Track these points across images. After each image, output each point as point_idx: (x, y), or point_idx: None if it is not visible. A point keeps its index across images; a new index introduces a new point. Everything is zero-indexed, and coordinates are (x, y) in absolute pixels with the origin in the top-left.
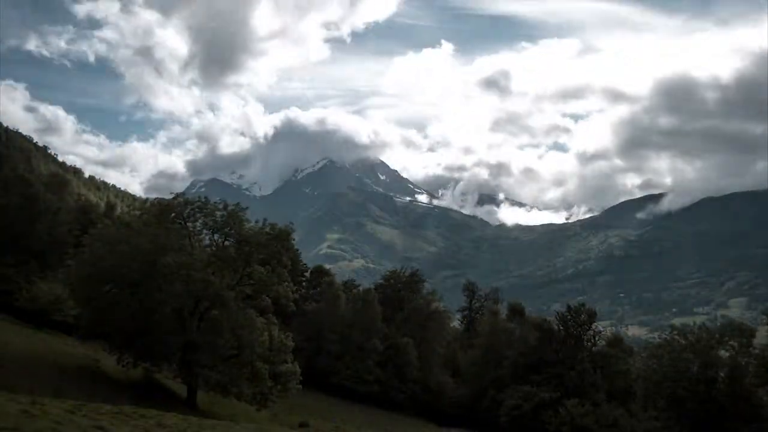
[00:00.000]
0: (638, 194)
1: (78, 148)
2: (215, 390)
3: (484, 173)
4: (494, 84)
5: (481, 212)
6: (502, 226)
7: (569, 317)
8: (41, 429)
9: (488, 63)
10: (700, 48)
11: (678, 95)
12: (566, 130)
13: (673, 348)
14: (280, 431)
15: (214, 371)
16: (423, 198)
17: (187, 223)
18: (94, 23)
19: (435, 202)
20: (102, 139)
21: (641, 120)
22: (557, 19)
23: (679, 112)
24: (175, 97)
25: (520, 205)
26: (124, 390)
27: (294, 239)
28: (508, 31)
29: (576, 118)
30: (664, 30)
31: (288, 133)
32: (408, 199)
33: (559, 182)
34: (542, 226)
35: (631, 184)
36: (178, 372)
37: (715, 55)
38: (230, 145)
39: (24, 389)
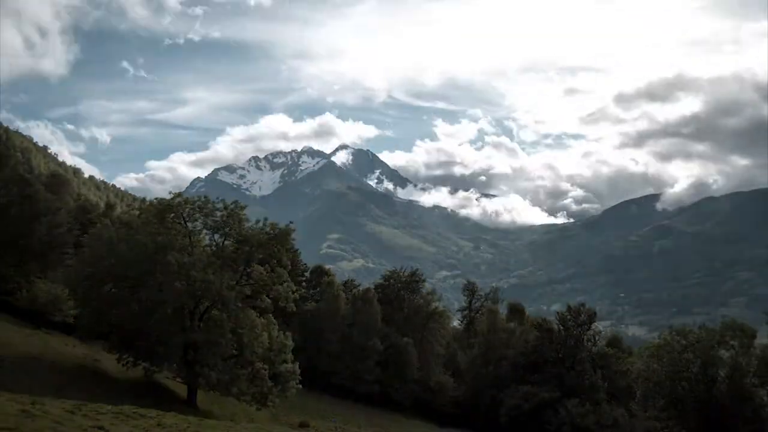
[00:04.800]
0: (639, 194)
1: None
2: (215, 390)
3: (484, 173)
4: None
5: (481, 212)
6: (502, 226)
7: (569, 317)
8: (41, 429)
9: None
10: None
11: None
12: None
13: (673, 348)
14: (280, 431)
15: (214, 371)
16: (423, 197)
17: (187, 223)
18: None
19: (435, 201)
20: None
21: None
22: None
23: None
24: None
25: (521, 204)
26: (124, 390)
27: (294, 239)
28: None
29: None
30: None
31: None
32: (408, 198)
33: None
34: (542, 226)
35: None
36: (178, 372)
37: None
38: None
39: (24, 389)
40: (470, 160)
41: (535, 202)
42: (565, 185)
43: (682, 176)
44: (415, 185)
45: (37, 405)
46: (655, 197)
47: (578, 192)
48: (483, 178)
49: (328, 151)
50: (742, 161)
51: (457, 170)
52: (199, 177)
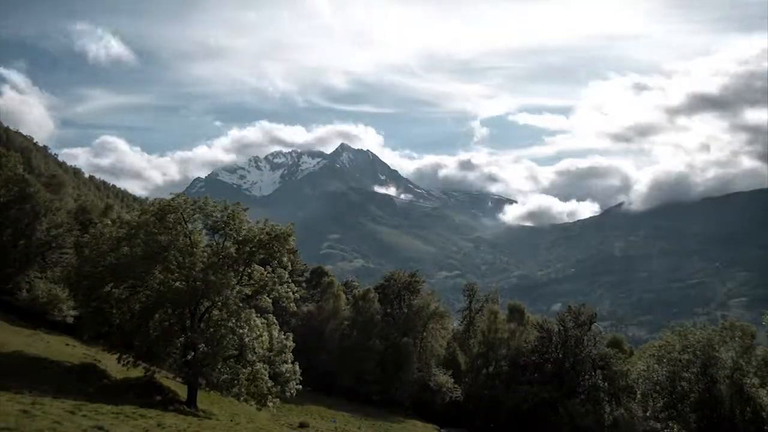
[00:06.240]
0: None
1: None
2: (215, 390)
3: (483, 173)
4: None
5: (482, 212)
6: (502, 226)
7: (569, 317)
8: (41, 429)
9: None
10: None
11: None
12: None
13: (673, 348)
14: (280, 431)
15: (214, 371)
16: (423, 197)
17: (187, 223)
18: None
19: (434, 201)
20: None
21: None
22: None
23: None
24: None
25: (521, 204)
26: (124, 390)
27: (294, 239)
28: None
29: None
30: None
31: None
32: (408, 198)
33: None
34: (543, 226)
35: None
36: (178, 372)
37: None
38: None
39: (24, 389)
40: (466, 161)
41: (536, 201)
42: (563, 185)
43: (683, 176)
44: (412, 187)
45: (37, 405)
46: (655, 197)
47: (577, 192)
48: (481, 179)
49: (328, 152)
50: (743, 161)
51: (459, 171)
52: (199, 177)
